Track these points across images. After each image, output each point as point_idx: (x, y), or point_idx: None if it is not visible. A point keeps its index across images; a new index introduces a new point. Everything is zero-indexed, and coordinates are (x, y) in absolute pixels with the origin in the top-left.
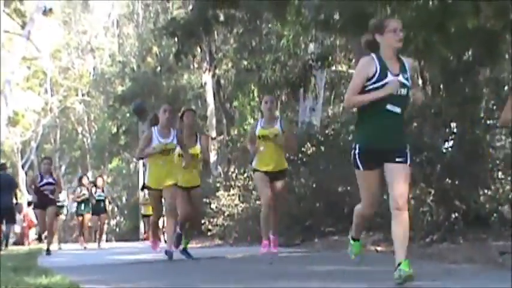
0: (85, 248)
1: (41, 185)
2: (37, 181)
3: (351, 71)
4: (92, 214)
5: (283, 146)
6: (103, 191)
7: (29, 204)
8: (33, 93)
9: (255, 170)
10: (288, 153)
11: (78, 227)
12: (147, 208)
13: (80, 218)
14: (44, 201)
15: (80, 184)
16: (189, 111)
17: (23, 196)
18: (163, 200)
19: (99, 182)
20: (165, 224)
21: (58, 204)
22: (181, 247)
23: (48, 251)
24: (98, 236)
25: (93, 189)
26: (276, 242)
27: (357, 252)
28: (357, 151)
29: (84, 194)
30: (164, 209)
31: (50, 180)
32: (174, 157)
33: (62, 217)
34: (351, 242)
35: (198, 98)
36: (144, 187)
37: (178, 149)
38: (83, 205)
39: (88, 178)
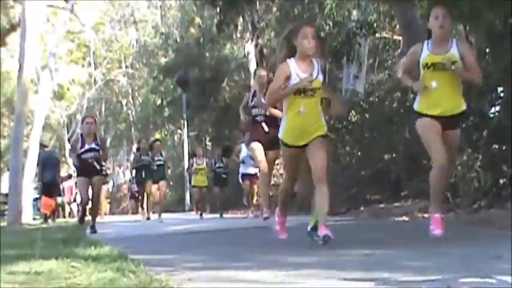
0: (148, 219)
1: (82, 151)
2: (78, 146)
3: (395, 37)
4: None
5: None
6: (161, 155)
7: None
8: (78, 67)
9: (418, 114)
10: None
11: (134, 197)
12: (196, 179)
13: (140, 187)
14: (87, 169)
15: (139, 148)
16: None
17: (70, 169)
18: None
19: (157, 146)
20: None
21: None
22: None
23: (93, 229)
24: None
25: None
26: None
27: None
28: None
29: (143, 160)
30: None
31: (93, 145)
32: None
33: (108, 187)
34: None
35: (240, 68)
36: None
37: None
38: (143, 172)
39: (147, 141)
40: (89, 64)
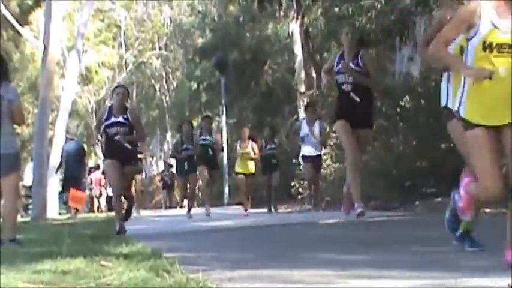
0: (190, 217)
1: (106, 124)
2: (103, 119)
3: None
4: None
5: None
6: (210, 135)
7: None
8: (107, 48)
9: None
10: None
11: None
12: (241, 164)
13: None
14: (116, 150)
15: (180, 131)
16: None
17: (99, 160)
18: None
19: (206, 122)
20: None
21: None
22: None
23: (120, 229)
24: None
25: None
26: None
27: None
28: None
29: (187, 149)
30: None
31: (121, 119)
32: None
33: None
34: None
35: (284, 49)
36: None
37: None
38: (186, 163)
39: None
40: (120, 45)
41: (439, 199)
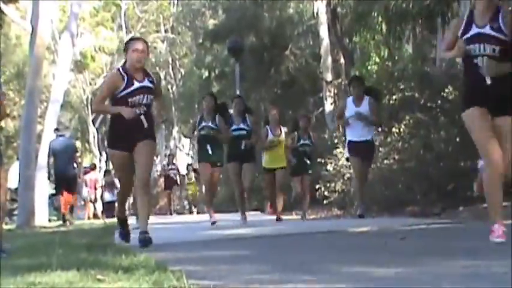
0: (214, 223)
1: (127, 92)
2: (120, 85)
3: None
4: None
5: None
6: (244, 121)
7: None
8: (105, 30)
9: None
10: None
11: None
12: (270, 156)
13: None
14: (132, 132)
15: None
16: None
17: (95, 158)
18: None
19: (238, 104)
20: None
21: None
22: None
23: (143, 239)
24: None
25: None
26: None
27: None
28: None
29: (208, 127)
30: None
31: (146, 83)
32: None
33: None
34: None
35: (309, 32)
36: None
37: None
38: (208, 146)
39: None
40: (119, 27)
41: (485, 204)
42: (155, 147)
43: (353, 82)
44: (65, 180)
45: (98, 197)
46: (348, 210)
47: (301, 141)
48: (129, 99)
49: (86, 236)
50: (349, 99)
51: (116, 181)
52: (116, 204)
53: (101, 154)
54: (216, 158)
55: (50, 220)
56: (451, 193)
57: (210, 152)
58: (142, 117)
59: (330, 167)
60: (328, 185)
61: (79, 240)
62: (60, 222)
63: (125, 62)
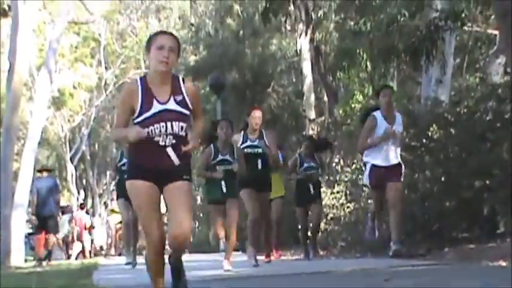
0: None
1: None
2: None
3: (489, 31)
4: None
5: None
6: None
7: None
8: (84, 66)
9: None
10: None
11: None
12: None
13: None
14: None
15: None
16: None
17: (73, 197)
18: None
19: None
20: None
21: None
22: None
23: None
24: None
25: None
26: None
27: None
28: None
29: (226, 161)
30: None
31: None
32: None
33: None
34: None
35: (291, 69)
36: None
37: None
38: (223, 184)
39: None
40: (99, 63)
41: (473, 245)
42: (190, 191)
43: (384, 90)
44: (46, 219)
45: (87, 237)
46: (330, 251)
47: (305, 165)
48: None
49: (63, 277)
50: (378, 115)
51: None
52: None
53: (78, 193)
54: (230, 193)
55: (26, 260)
56: (436, 234)
57: (224, 189)
58: (169, 150)
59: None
60: (310, 224)
61: (56, 281)
62: (36, 262)
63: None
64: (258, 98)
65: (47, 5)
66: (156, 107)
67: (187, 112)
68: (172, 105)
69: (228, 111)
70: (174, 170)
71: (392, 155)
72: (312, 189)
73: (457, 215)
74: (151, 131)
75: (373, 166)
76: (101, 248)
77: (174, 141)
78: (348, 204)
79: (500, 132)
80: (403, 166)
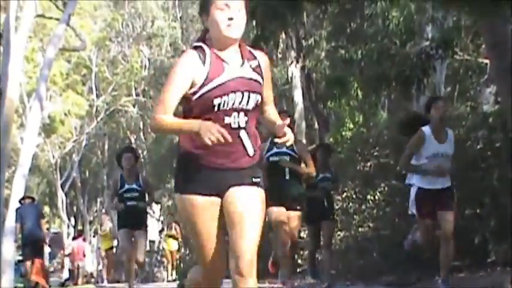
0: None
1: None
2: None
3: (480, 60)
4: None
5: None
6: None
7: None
8: (75, 94)
9: None
10: None
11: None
12: None
13: None
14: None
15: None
16: None
17: (63, 224)
18: None
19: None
20: None
21: None
22: None
23: None
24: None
25: None
26: None
27: None
28: None
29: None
30: None
31: (134, 186)
32: None
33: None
34: None
35: (282, 96)
36: None
37: None
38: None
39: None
40: (90, 90)
41: (463, 274)
42: (263, 199)
43: (438, 102)
44: (35, 245)
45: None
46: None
47: (320, 175)
48: (215, 104)
49: None
50: (427, 131)
51: None
52: None
53: (69, 219)
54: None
55: (16, 287)
56: (427, 262)
57: (284, 187)
58: (243, 134)
59: (303, 234)
60: (301, 252)
61: None
62: None
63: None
64: None
65: (37, 32)
66: (229, 73)
67: (262, 83)
68: (247, 71)
69: None
70: (244, 167)
71: (444, 179)
72: (325, 204)
73: None
74: (221, 103)
75: (420, 189)
76: (91, 275)
77: (246, 120)
78: (339, 232)
79: (491, 160)
80: (454, 191)
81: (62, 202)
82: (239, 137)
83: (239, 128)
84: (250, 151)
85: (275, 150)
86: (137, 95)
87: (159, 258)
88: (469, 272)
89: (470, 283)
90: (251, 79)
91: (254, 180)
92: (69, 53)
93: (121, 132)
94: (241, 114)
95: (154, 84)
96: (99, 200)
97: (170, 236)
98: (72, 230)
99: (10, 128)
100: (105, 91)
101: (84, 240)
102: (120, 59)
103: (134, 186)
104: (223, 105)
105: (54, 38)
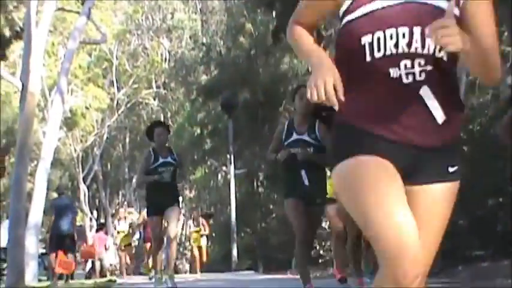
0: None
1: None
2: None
3: (503, 47)
4: None
5: None
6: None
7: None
8: (95, 87)
9: None
10: None
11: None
12: None
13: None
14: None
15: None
16: None
17: (86, 217)
18: None
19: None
20: None
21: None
22: None
23: None
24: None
25: None
26: None
27: None
28: None
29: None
30: None
31: (169, 159)
32: None
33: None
34: None
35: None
36: None
37: None
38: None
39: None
40: (111, 83)
41: (486, 263)
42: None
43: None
44: (64, 238)
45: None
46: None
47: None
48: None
49: None
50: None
51: None
52: None
53: (91, 213)
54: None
55: (39, 280)
56: (449, 252)
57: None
58: (425, 91)
59: (324, 224)
60: (323, 243)
61: None
62: (52, 281)
63: None
64: (269, 118)
65: (58, 26)
66: (161, 160)
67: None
68: (168, 159)
69: (240, 130)
70: (432, 146)
71: None
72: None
73: (470, 234)
74: (373, 43)
75: None
76: (114, 267)
77: (427, 70)
78: None
79: None
80: None
81: (84, 195)
82: (419, 98)
83: (414, 82)
84: (440, 119)
85: (295, 136)
86: (158, 87)
87: (181, 250)
88: (492, 261)
89: (493, 272)
90: (428, 4)
91: (450, 168)
92: (89, 47)
93: (142, 125)
94: (417, 62)
95: (175, 76)
96: (121, 192)
97: (197, 232)
98: (94, 223)
99: (32, 122)
100: (126, 84)
101: (106, 233)
102: (141, 51)
103: (169, 159)
104: (378, 49)
105: (74, 32)
